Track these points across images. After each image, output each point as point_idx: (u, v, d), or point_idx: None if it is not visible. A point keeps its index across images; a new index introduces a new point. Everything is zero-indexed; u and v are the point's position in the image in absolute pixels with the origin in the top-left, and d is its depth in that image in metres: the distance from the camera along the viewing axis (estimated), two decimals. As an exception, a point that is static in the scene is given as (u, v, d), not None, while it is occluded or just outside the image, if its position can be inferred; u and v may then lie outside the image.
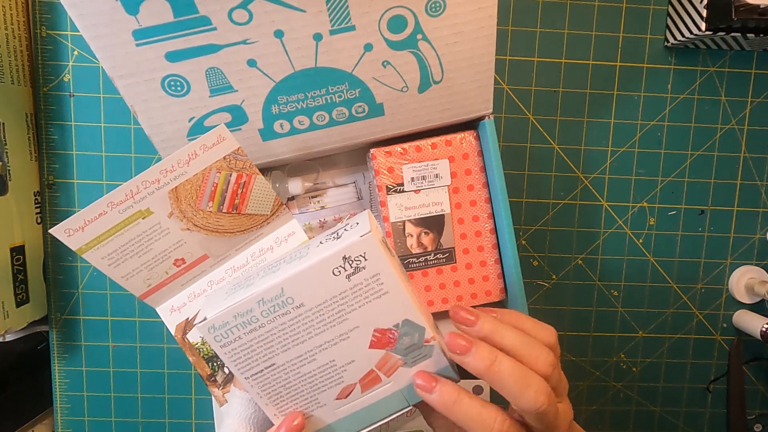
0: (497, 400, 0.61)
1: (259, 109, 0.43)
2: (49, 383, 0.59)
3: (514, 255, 0.46)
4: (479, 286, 0.50)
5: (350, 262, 0.34)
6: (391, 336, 0.36)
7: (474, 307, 0.51)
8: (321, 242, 0.36)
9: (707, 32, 0.50)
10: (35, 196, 0.55)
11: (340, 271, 0.34)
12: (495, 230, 0.49)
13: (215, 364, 0.47)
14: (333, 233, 0.37)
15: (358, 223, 0.36)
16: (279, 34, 0.40)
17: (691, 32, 0.52)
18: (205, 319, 0.35)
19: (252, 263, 0.47)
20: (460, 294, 0.50)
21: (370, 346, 0.36)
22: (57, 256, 0.57)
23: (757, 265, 0.60)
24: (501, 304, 0.53)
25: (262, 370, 0.36)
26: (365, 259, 0.34)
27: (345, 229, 0.36)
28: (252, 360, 0.36)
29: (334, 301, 0.35)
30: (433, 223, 0.49)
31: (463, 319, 0.35)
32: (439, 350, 0.37)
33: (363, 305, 0.35)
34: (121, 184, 0.40)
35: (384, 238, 0.38)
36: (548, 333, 0.35)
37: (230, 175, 0.44)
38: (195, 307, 0.47)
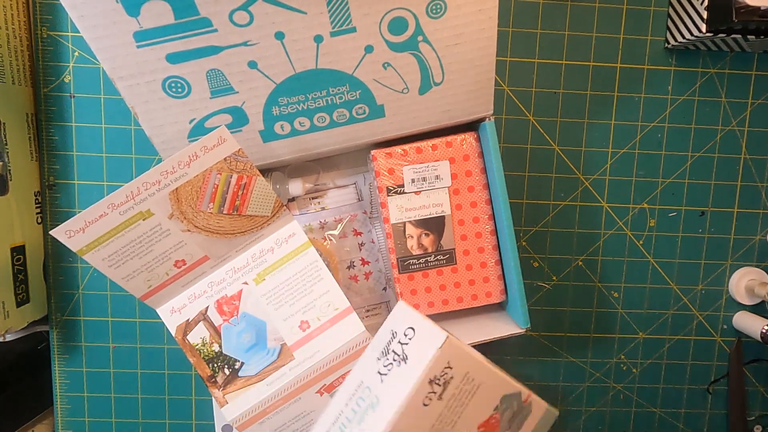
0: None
1: (259, 110, 0.43)
2: (49, 383, 0.59)
3: (514, 256, 0.46)
4: (479, 287, 0.50)
5: (437, 382, 0.30)
6: (493, 421, 0.34)
7: (474, 308, 0.52)
8: (382, 373, 0.32)
9: (708, 34, 0.50)
10: (35, 196, 0.55)
11: (431, 398, 0.31)
12: (495, 232, 0.49)
13: (216, 365, 0.47)
14: (390, 354, 0.32)
15: (413, 329, 0.32)
16: (280, 35, 0.40)
17: (691, 34, 0.52)
18: None
19: (252, 264, 0.48)
20: (461, 295, 0.50)
21: None
22: (57, 257, 0.57)
23: (757, 266, 0.60)
24: (501, 305, 0.53)
25: None
26: (451, 368, 0.31)
27: (403, 343, 0.32)
28: None
29: (438, 423, 0.31)
30: (434, 225, 0.49)
31: None
32: (536, 400, 0.36)
33: (462, 412, 0.32)
34: (121, 186, 0.41)
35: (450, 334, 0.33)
36: None
37: (231, 176, 0.44)
38: (195, 308, 0.47)
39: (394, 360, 0.31)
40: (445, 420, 0.31)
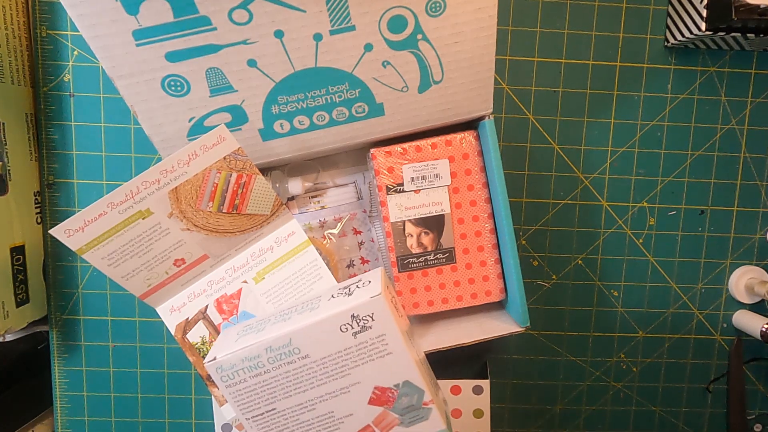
0: (495, 398, 0.61)
1: (259, 109, 0.43)
2: (49, 383, 0.59)
3: (514, 255, 0.46)
4: (479, 286, 0.50)
5: (358, 321, 0.36)
6: (390, 395, 0.38)
7: (474, 306, 0.52)
8: (333, 296, 0.38)
9: (707, 32, 0.50)
10: (35, 196, 0.55)
11: (347, 329, 0.36)
12: (495, 230, 0.49)
13: (215, 364, 0.47)
14: (345, 288, 0.39)
15: (370, 282, 0.38)
16: (279, 34, 0.40)
17: (691, 32, 0.52)
18: (214, 358, 0.37)
19: (251, 263, 0.47)
20: (460, 294, 0.50)
21: (370, 402, 0.38)
22: (57, 256, 0.57)
23: (757, 265, 0.60)
24: (501, 304, 0.53)
25: (263, 413, 0.38)
26: (372, 320, 0.36)
27: (357, 286, 0.38)
28: (254, 402, 0.38)
29: (338, 356, 0.37)
30: (433, 223, 0.49)
31: None
32: (437, 413, 0.38)
33: (366, 362, 0.37)
34: (121, 185, 0.41)
35: (394, 298, 0.40)
36: None
37: (230, 175, 0.44)
38: (195, 307, 0.47)
39: (345, 293, 0.38)
40: (350, 357, 0.37)
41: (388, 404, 0.38)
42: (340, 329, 0.36)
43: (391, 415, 0.38)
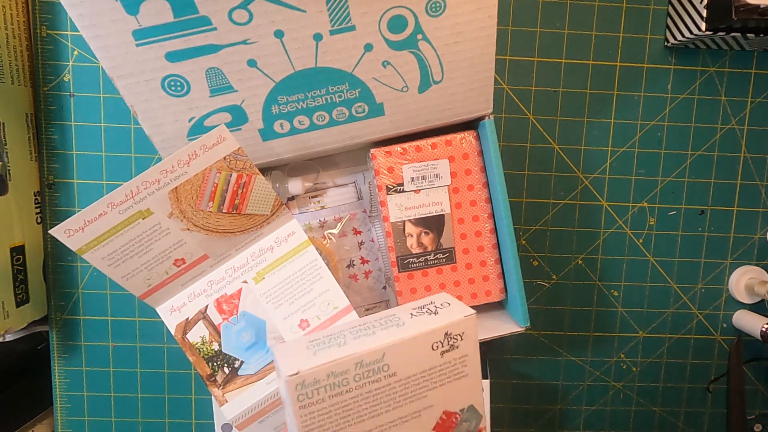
0: (495, 398, 0.61)
1: (259, 109, 0.43)
2: (49, 383, 0.59)
3: (514, 255, 0.46)
4: (479, 286, 0.50)
5: (449, 339, 0.35)
6: (454, 419, 0.36)
7: (474, 306, 0.52)
8: (412, 314, 0.37)
9: (707, 32, 0.50)
10: (35, 196, 0.55)
11: (438, 346, 0.35)
12: (495, 230, 0.49)
13: (215, 364, 0.47)
14: (424, 308, 0.37)
15: (449, 304, 0.37)
16: (279, 34, 0.40)
17: (691, 32, 0.52)
18: (297, 372, 0.32)
19: (251, 263, 0.47)
20: (460, 294, 0.50)
21: (435, 428, 0.36)
22: (57, 256, 0.57)
23: (757, 265, 0.60)
24: (501, 304, 0.53)
25: None
26: (461, 339, 0.35)
27: (438, 307, 0.37)
28: (323, 428, 0.34)
29: (422, 376, 0.35)
30: (433, 223, 0.49)
31: None
32: None
33: (443, 384, 0.36)
34: (121, 185, 0.40)
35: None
36: None
37: (230, 175, 0.44)
38: (195, 307, 0.47)
39: (426, 312, 0.37)
40: (432, 376, 0.35)
41: (450, 430, 0.37)
42: (432, 347, 0.35)
43: None
